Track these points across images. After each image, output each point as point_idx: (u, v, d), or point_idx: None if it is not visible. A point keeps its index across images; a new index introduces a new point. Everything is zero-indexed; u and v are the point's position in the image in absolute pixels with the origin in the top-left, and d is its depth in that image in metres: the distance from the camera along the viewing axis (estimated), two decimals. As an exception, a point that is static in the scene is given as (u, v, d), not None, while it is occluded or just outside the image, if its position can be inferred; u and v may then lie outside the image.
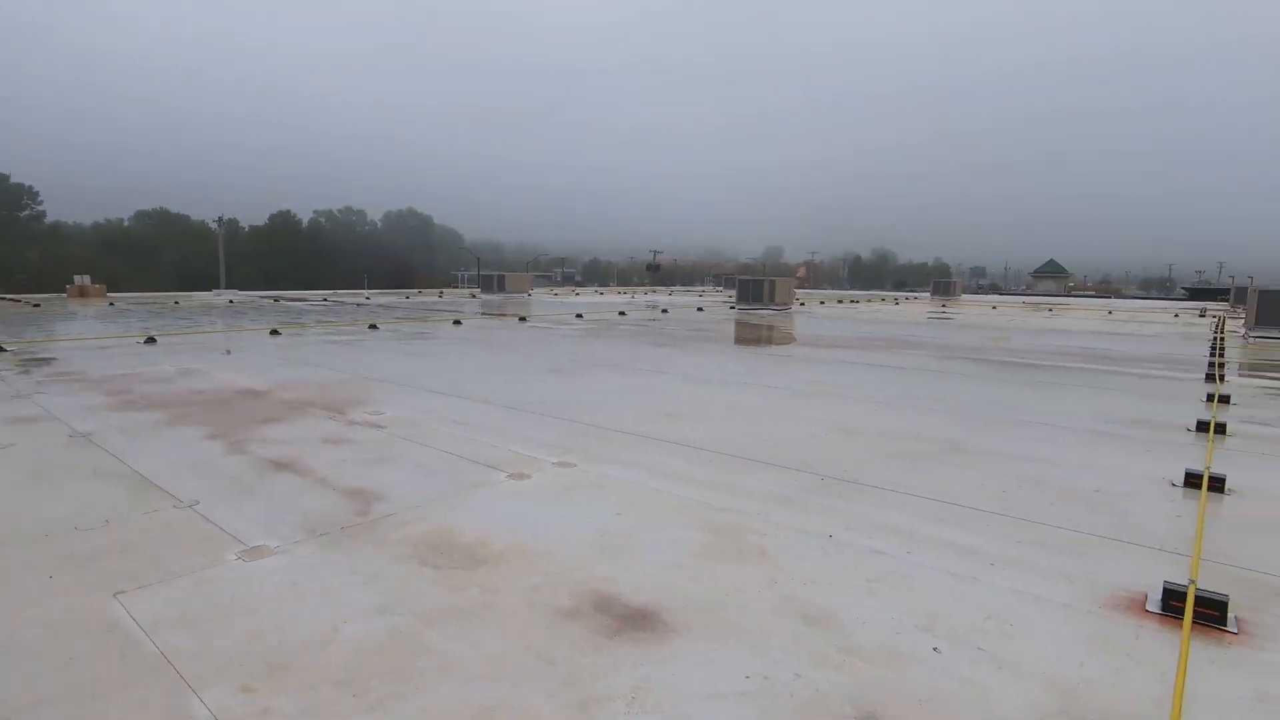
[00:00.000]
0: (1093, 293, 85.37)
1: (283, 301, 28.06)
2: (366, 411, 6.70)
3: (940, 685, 2.38)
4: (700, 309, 27.03)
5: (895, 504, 4.26)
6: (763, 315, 23.91)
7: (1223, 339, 16.65)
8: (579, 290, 54.32)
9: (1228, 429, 6.49)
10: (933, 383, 9.30)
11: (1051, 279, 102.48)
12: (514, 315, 21.43)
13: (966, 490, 4.56)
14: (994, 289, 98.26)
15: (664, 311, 24.86)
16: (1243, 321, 20.31)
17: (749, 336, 16.22)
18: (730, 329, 18.06)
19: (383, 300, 30.24)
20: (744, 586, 3.09)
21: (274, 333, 14.48)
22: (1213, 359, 12.14)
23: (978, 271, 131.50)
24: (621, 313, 23.38)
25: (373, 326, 16.25)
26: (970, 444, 5.81)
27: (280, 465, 4.87)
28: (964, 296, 51.73)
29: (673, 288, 65.99)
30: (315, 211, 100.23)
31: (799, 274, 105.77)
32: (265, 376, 8.73)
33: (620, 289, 61.20)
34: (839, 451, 5.49)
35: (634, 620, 2.79)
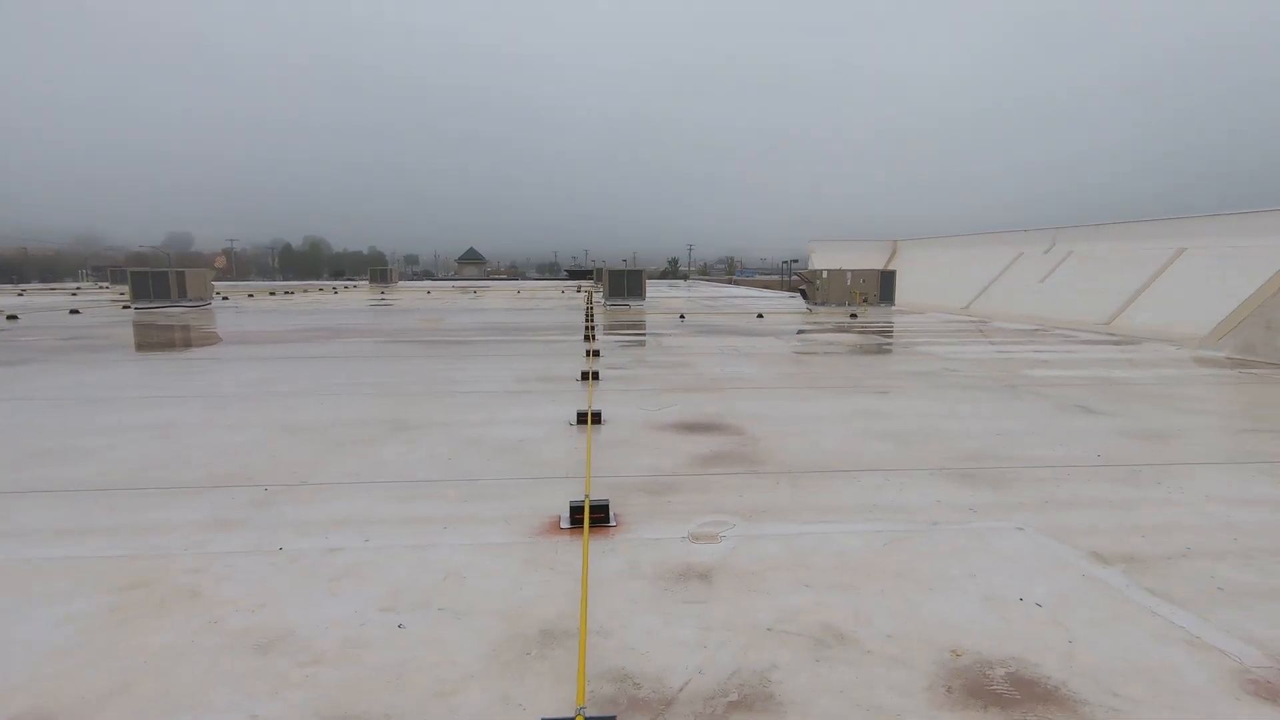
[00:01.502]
0: (505, 276, 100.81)
1: None
2: None
3: (407, 657, 2.45)
4: (76, 311, 20.83)
5: (351, 495, 4.17)
6: (173, 314, 19.99)
7: (591, 308, 21.86)
8: None
9: (600, 375, 8.57)
10: (377, 367, 9.43)
11: (473, 264, 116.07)
12: None
13: (417, 464, 4.80)
14: (427, 275, 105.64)
15: (11, 318, 18.21)
16: (602, 294, 27.07)
17: (157, 340, 13.35)
18: (129, 333, 14.50)
19: None
20: (173, 642, 2.55)
21: None
22: (587, 324, 15.85)
23: (411, 259, 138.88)
24: (-71, 324, 16.10)
25: None
26: (416, 419, 6.13)
27: None
28: (401, 283, 53.94)
29: (23, 286, 48.85)
30: None
31: (217, 264, 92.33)
32: None
33: (-77, 290, 41.94)
34: (285, 454, 5.05)
35: (-5, 750, 1.99)
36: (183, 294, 23.00)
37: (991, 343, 12.82)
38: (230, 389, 7.82)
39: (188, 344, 12.80)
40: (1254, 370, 9.32)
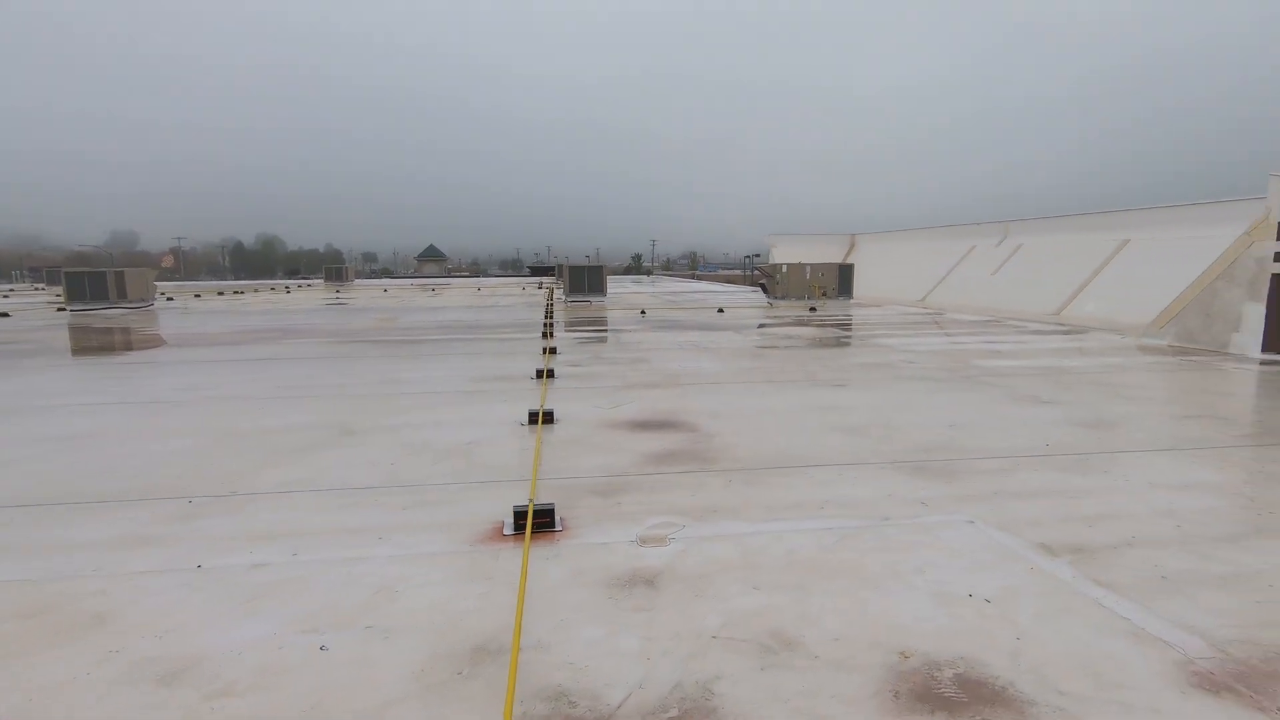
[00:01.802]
0: (467, 273, 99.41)
1: None
2: None
3: (327, 683, 2.28)
4: (4, 314, 19.77)
5: (283, 506, 3.95)
6: (112, 316, 19.12)
7: (552, 305, 21.60)
8: None
9: (555, 373, 8.40)
10: (325, 369, 9.10)
11: (434, 262, 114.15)
12: None
13: (357, 471, 4.59)
14: (386, 273, 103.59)
15: (-66, 322, 17.18)
16: (563, 290, 26.80)
17: (90, 344, 12.71)
18: (61, 337, 13.79)
19: None
20: (64, 676, 2.33)
21: None
22: (546, 320, 15.62)
23: (370, 257, 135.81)
24: None
25: None
26: (361, 424, 5.89)
27: None
28: (357, 281, 52.76)
29: (-46, 288, 46.28)
30: None
31: (165, 263, 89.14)
32: None
33: None
34: (218, 463, 4.78)
35: None
36: (122, 295, 22.01)
37: (946, 334, 13.01)
38: (165, 395, 7.44)
39: (125, 347, 12.20)
40: (1193, 357, 9.61)
